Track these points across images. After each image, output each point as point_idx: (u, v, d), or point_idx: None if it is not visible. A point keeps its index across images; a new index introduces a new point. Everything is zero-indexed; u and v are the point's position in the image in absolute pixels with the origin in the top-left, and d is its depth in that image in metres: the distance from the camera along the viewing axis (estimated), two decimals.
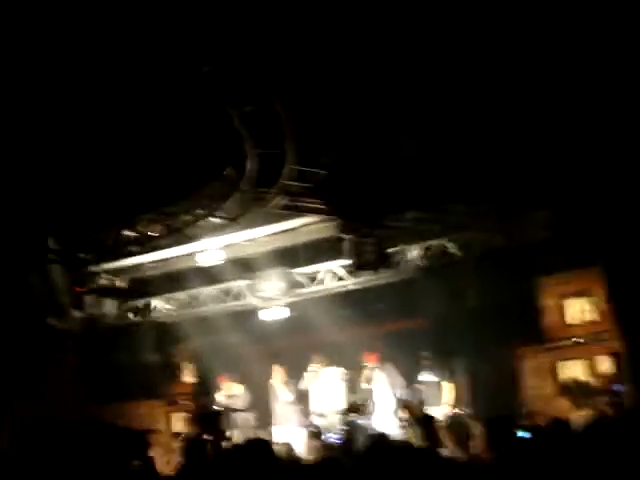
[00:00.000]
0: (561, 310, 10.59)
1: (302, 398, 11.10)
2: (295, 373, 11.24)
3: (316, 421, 10.66)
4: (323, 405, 10.81)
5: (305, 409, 11.02)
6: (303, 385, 11.02)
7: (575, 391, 10.14)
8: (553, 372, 10.46)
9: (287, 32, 5.99)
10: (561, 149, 7.58)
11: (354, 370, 10.82)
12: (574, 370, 10.33)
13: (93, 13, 5.52)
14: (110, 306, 10.78)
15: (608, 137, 7.05)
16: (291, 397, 11.00)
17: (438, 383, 10.66)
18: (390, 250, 9.10)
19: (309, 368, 10.93)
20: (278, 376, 11.14)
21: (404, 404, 9.14)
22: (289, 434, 10.45)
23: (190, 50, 5.87)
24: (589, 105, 6.82)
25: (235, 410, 11.07)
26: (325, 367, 10.94)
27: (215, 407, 11.42)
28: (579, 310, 10.34)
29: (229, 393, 11.43)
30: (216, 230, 8.87)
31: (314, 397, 10.95)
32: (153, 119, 7.03)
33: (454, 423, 8.47)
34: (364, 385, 10.64)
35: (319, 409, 10.79)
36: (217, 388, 11.62)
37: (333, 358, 11.07)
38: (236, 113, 6.51)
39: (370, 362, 10.61)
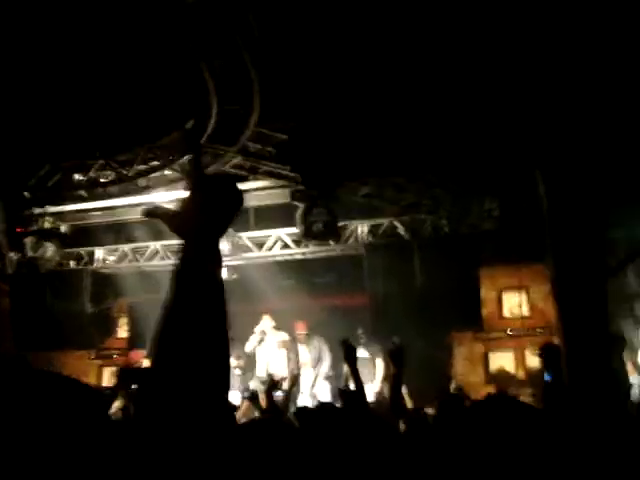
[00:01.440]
0: (499, 302, 10.94)
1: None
2: (237, 337, 11.23)
3: (253, 386, 10.70)
4: (266, 369, 10.84)
5: (250, 373, 11.03)
6: (249, 348, 11.01)
7: (501, 380, 10.51)
8: (484, 361, 10.82)
9: None
10: (519, 142, 7.69)
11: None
12: (504, 361, 10.72)
13: None
14: (51, 251, 10.47)
15: (561, 129, 7.15)
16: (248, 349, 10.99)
17: (372, 360, 10.85)
18: (340, 223, 9.11)
19: (257, 329, 10.93)
20: None
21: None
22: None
23: None
24: (545, 95, 6.91)
25: None
26: (274, 331, 10.97)
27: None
28: (516, 304, 10.69)
29: None
30: (169, 184, 8.72)
31: (259, 361, 10.97)
32: (122, 58, 6.82)
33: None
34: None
35: (263, 374, 10.82)
36: None
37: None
38: (205, 65, 6.37)
39: (299, 330, 10.71)
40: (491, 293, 10.84)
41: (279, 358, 10.92)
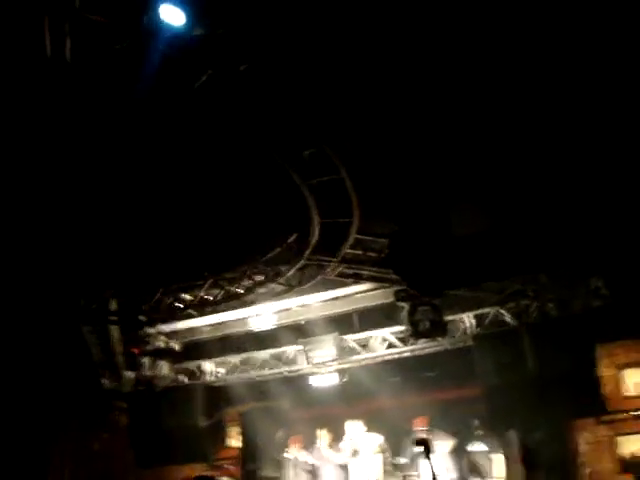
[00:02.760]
0: (619, 380, 10.38)
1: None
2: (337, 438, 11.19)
3: None
4: (362, 475, 10.65)
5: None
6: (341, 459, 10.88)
7: (637, 468, 9.83)
8: (612, 446, 10.17)
9: (353, 108, 6.23)
10: (613, 218, 7.61)
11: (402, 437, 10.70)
12: (635, 445, 10.04)
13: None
14: (164, 368, 10.89)
15: None
16: (340, 460, 10.87)
17: (488, 454, 10.47)
18: (446, 318, 9.08)
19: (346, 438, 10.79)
20: (325, 440, 11.08)
21: None
22: None
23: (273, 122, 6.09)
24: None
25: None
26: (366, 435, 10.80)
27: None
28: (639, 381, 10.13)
29: (297, 455, 11.36)
30: (274, 296, 9.00)
31: (354, 466, 10.78)
32: (223, 183, 7.25)
33: None
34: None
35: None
36: (286, 446, 11.56)
37: (380, 425, 10.96)
38: (304, 183, 6.70)
39: (419, 426, 10.47)
40: (609, 371, 10.34)
41: (376, 463, 10.67)
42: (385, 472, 10.61)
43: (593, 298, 9.34)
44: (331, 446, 11.07)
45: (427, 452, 5.46)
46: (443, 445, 10.39)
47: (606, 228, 7.67)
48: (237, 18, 4.91)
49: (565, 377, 9.11)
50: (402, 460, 10.68)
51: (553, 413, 9.41)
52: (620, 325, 9.34)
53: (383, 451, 10.74)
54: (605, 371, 9.92)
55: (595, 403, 9.42)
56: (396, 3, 5.18)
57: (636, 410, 9.98)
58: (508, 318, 9.70)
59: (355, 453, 10.76)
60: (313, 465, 11.16)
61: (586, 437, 10.42)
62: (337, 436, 11.17)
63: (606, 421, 10.20)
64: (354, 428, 10.83)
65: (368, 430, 10.84)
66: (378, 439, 10.78)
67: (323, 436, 11.13)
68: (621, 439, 10.13)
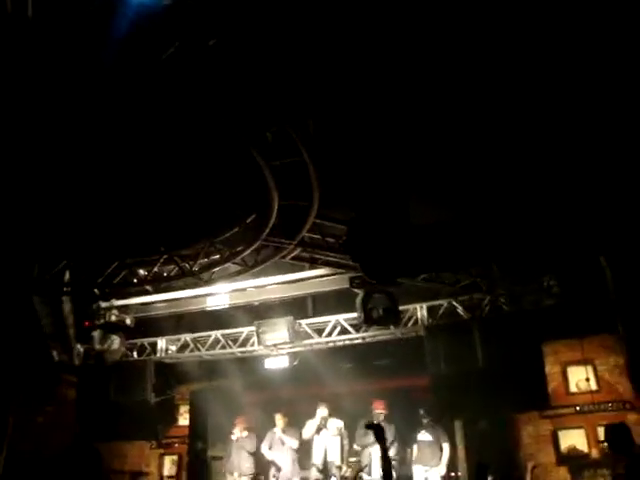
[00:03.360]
0: (564, 377, 10.67)
1: (303, 448, 11.12)
2: (295, 422, 11.26)
3: (314, 474, 10.63)
4: (323, 457, 10.78)
5: (305, 460, 11.00)
6: (307, 434, 10.99)
7: (575, 461, 10.14)
8: (553, 440, 10.47)
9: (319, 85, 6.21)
10: (572, 219, 7.75)
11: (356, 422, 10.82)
12: (575, 439, 10.35)
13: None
14: (117, 343, 10.78)
15: (620, 207, 7.20)
16: (295, 445, 10.98)
17: (437, 443, 10.65)
18: (400, 307, 9.18)
19: (317, 416, 10.92)
20: (280, 424, 11.15)
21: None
22: None
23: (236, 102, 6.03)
24: (599, 171, 7.00)
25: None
26: (330, 418, 10.94)
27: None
28: (582, 378, 10.41)
29: (240, 436, 11.40)
30: (230, 276, 8.96)
31: (316, 448, 10.91)
32: (182, 159, 7.17)
33: None
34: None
35: (320, 461, 10.74)
36: (232, 428, 11.60)
37: (334, 411, 11.10)
38: (265, 164, 6.66)
39: (378, 409, 10.59)
40: (555, 368, 10.62)
41: (335, 445, 10.83)
42: (342, 456, 10.80)
43: (545, 296, 9.54)
44: (284, 430, 11.14)
45: (381, 436, 5.51)
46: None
47: (562, 226, 7.81)
48: None
49: (512, 371, 9.29)
50: (355, 446, 10.80)
51: (498, 405, 9.62)
52: (566, 324, 9.59)
53: (341, 435, 10.90)
54: (550, 368, 10.20)
55: (539, 398, 9.64)
56: None
57: (577, 406, 10.29)
58: (461, 311, 9.86)
59: (320, 431, 10.94)
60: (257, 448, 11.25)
61: (529, 430, 10.72)
62: (290, 419, 11.28)
63: (549, 415, 10.50)
64: (321, 411, 10.98)
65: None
66: (338, 423, 10.93)
67: (278, 420, 11.20)
68: (561, 433, 10.45)
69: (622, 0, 5.02)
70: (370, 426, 5.91)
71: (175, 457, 13.00)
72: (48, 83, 5.95)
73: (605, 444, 8.34)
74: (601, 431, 9.70)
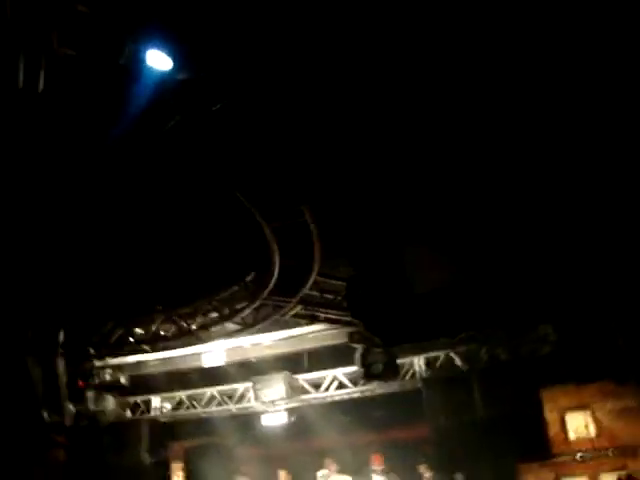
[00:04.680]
0: (563, 424, 10.61)
1: None
2: (295, 478, 11.08)
3: None
4: None
5: None
6: None
7: None
8: None
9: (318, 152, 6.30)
10: (566, 269, 7.85)
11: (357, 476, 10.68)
12: None
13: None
14: (109, 402, 10.60)
15: (612, 257, 7.32)
16: None
17: None
18: (399, 361, 9.16)
19: (319, 473, 10.74)
20: None
21: None
22: None
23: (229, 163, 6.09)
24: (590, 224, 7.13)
25: None
26: (335, 473, 10.75)
27: None
28: (582, 424, 10.37)
29: None
30: (229, 335, 8.92)
31: None
32: (183, 220, 7.20)
33: None
34: None
35: None
36: None
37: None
38: (267, 225, 6.71)
39: (377, 465, 10.46)
40: (553, 415, 10.57)
41: None
42: None
43: (542, 344, 9.59)
44: None
45: None
46: None
47: (556, 278, 7.91)
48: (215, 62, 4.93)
49: (511, 420, 9.26)
50: None
51: (499, 455, 9.54)
52: (562, 370, 9.61)
53: None
54: (548, 415, 10.16)
55: (540, 446, 9.59)
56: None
57: (577, 453, 10.22)
58: (458, 362, 9.86)
59: None
60: None
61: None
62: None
63: (550, 464, 10.40)
64: (328, 464, 10.72)
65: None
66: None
67: (283, 477, 11.01)
68: None
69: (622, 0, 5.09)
70: None
71: None
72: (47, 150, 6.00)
73: None
74: (603, 478, 9.66)
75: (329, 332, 9.44)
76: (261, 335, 9.63)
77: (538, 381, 9.70)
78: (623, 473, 7.19)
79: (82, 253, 7.97)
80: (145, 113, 5.00)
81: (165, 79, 4.51)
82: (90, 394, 10.44)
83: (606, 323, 8.28)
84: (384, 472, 10.32)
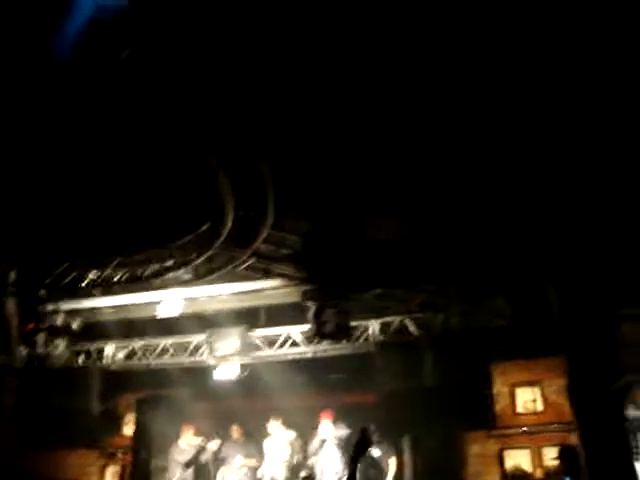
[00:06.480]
0: (512, 397, 10.76)
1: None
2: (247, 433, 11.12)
3: None
4: (274, 468, 10.65)
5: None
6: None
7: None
8: (499, 459, 10.54)
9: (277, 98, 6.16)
10: (524, 240, 7.85)
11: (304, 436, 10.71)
12: (520, 459, 10.44)
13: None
14: (60, 347, 10.47)
15: (568, 230, 7.31)
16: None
17: (383, 459, 10.63)
18: (352, 323, 9.15)
19: (269, 428, 10.78)
20: (235, 435, 11.00)
21: None
22: None
23: (187, 108, 5.96)
24: (550, 194, 7.11)
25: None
26: (282, 429, 10.82)
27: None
28: (530, 399, 10.52)
29: (189, 442, 11.13)
30: (181, 284, 8.82)
31: (267, 459, 10.77)
32: (139, 163, 7.06)
33: None
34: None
35: (270, 472, 10.62)
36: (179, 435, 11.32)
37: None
38: (222, 173, 6.59)
39: (325, 418, 10.51)
40: (504, 389, 10.69)
41: (284, 456, 10.73)
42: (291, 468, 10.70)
43: (496, 316, 9.64)
44: (237, 441, 10.98)
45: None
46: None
47: (515, 248, 7.90)
48: None
49: (460, 390, 9.34)
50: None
51: (446, 424, 9.64)
52: (514, 345, 9.70)
53: (292, 447, 10.80)
54: (498, 388, 10.28)
55: (486, 417, 9.71)
56: None
57: (524, 426, 10.39)
58: (412, 328, 9.88)
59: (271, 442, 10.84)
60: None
61: (475, 449, 10.76)
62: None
63: (495, 435, 10.57)
64: (276, 420, 10.89)
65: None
66: (290, 435, 10.85)
67: (235, 431, 11.04)
68: (507, 453, 10.53)
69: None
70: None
71: (118, 467, 12.63)
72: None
73: (556, 462, 8.48)
74: (546, 452, 9.83)
75: (287, 289, 9.38)
76: (217, 287, 9.53)
77: (490, 353, 9.79)
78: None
79: (37, 190, 7.80)
80: (91, 39, 4.83)
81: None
82: (40, 337, 10.29)
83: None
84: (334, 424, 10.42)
